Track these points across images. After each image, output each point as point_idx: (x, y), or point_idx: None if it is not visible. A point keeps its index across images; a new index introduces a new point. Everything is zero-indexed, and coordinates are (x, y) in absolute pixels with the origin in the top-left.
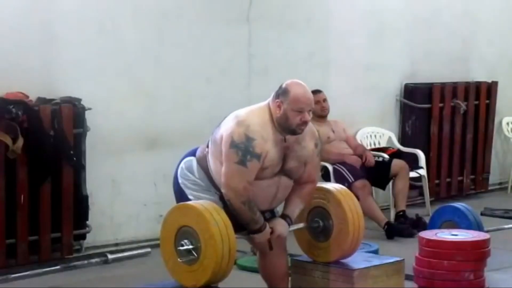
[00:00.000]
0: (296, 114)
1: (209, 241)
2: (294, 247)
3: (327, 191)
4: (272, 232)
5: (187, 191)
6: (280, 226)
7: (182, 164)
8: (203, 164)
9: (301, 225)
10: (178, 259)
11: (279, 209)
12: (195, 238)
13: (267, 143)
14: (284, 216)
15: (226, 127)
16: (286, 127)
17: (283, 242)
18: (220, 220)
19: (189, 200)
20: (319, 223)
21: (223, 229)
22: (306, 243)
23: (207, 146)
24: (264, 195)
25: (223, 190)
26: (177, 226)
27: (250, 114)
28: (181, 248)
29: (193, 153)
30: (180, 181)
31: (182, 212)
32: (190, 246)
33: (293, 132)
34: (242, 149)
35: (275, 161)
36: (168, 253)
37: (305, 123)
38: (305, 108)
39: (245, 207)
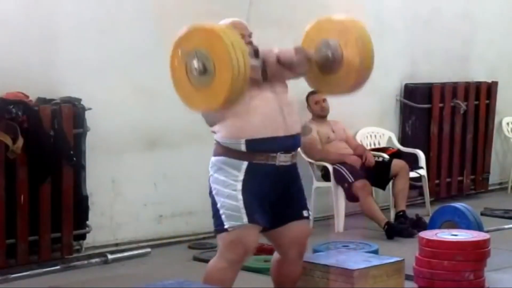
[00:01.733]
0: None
1: (221, 56)
2: None
3: (327, 21)
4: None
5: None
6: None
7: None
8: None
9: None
10: (191, 81)
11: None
12: (206, 57)
13: None
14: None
15: None
16: None
17: (303, 250)
18: (231, 35)
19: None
20: (328, 52)
21: (236, 43)
22: (319, 80)
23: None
24: (269, 113)
25: None
26: (186, 50)
27: None
28: (193, 69)
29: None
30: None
31: (188, 35)
32: (202, 68)
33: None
34: None
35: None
36: (180, 81)
37: (249, 42)
38: (243, 32)
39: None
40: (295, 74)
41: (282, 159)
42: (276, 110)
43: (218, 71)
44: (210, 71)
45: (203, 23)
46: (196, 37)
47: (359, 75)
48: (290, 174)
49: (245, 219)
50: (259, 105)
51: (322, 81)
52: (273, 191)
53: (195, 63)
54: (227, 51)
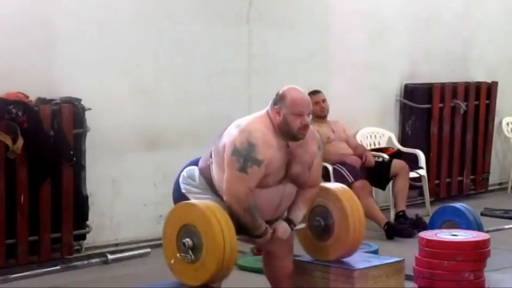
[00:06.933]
0: (296, 118)
1: (211, 241)
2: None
3: (327, 190)
4: (273, 233)
5: (191, 196)
6: (282, 228)
7: (184, 173)
8: (206, 174)
9: (303, 225)
10: (179, 256)
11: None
12: (197, 237)
13: (269, 149)
14: (288, 220)
15: (229, 136)
16: (288, 132)
17: (290, 243)
18: (222, 220)
19: None
20: (321, 222)
21: (226, 230)
22: (308, 242)
23: (210, 157)
24: (268, 205)
25: (224, 197)
26: (180, 224)
27: (252, 121)
28: (183, 247)
29: (195, 163)
30: (182, 187)
31: (185, 210)
32: (191, 245)
33: (295, 138)
34: (243, 155)
35: (279, 167)
36: (170, 251)
37: (306, 126)
38: (304, 111)
39: (247, 213)
40: None
41: None
42: (274, 203)
43: (206, 253)
44: (198, 250)
45: (201, 203)
46: (192, 214)
47: (347, 250)
48: None
49: None
50: (265, 197)
51: (312, 244)
52: None
53: (186, 239)
54: (215, 237)
